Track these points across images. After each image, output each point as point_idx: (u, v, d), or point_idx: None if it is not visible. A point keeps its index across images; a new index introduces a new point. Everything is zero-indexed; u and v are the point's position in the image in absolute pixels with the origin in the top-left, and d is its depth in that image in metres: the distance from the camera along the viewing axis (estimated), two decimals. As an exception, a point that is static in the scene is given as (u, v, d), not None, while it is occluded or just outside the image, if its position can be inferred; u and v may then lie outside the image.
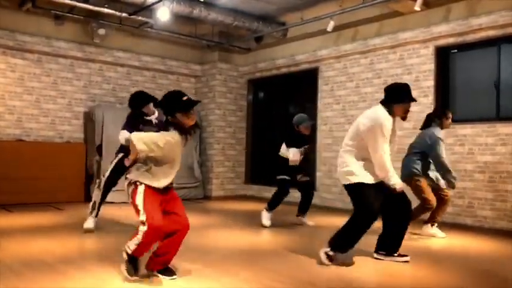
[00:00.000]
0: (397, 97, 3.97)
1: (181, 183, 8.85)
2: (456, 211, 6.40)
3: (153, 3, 7.31)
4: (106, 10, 7.70)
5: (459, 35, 6.60)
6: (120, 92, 9.10)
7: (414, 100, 4.02)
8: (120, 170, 5.22)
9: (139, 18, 8.08)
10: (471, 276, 3.76)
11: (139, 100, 5.28)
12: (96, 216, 5.32)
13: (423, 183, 5.25)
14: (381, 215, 4.10)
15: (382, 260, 4.13)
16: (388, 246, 4.15)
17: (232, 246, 4.73)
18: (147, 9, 7.66)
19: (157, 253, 3.39)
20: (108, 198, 7.86)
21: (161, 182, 3.33)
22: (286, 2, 8.28)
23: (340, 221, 6.56)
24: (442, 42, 6.78)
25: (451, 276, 3.73)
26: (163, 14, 7.53)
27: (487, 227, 6.08)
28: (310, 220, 6.29)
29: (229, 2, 8.11)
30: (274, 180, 6.21)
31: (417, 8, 6.51)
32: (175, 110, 3.34)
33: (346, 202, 7.94)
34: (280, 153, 6.10)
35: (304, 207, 6.27)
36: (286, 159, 5.98)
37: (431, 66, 6.86)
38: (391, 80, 7.36)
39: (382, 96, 7.63)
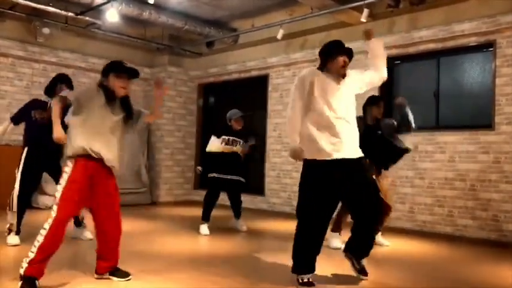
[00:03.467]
0: (326, 55, 3.83)
1: (127, 188, 8.66)
2: (398, 216, 6.65)
3: (101, 4, 7.14)
4: (51, 9, 7.43)
5: (402, 47, 6.90)
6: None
7: (345, 50, 3.80)
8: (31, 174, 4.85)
9: (87, 18, 7.86)
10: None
11: None
12: (18, 233, 4.71)
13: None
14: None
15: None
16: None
17: (177, 253, 4.68)
18: (95, 10, 7.47)
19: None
20: (51, 204, 7.63)
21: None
22: (238, 9, 8.34)
23: (288, 225, 6.68)
24: (387, 53, 7.04)
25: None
26: (111, 16, 7.37)
27: (426, 231, 6.37)
28: (244, 224, 6.24)
29: (180, 5, 8.06)
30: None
31: (363, 19, 6.75)
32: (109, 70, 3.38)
33: (294, 207, 8.07)
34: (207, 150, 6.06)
35: (237, 209, 6.20)
36: (215, 155, 5.95)
37: (376, 76, 7.11)
38: (338, 88, 7.58)
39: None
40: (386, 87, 7.14)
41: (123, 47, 9.49)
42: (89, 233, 5.05)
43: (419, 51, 6.76)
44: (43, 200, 7.65)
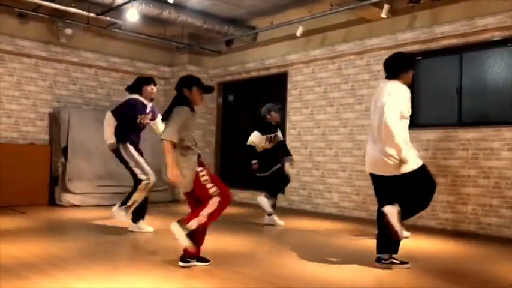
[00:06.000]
0: (403, 66, 4.09)
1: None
2: (419, 214, 6.56)
3: (122, 4, 7.22)
4: (73, 10, 7.55)
5: (423, 43, 6.80)
6: (86, 93, 8.94)
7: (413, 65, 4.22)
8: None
9: (108, 18, 7.97)
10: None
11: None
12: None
13: None
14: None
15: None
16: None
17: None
18: (116, 10, 7.56)
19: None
20: (75, 202, 7.80)
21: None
22: (256, 7, 8.33)
23: (308, 223, 6.68)
24: (408, 49, 6.96)
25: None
26: (132, 15, 7.45)
27: (448, 229, 6.28)
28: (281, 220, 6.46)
29: (199, 4, 8.10)
30: (256, 180, 6.47)
31: (383, 15, 6.68)
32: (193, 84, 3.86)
33: (314, 204, 8.06)
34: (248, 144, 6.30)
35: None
36: (261, 152, 6.26)
37: (396, 72, 7.02)
38: (358, 86, 7.53)
39: (349, 101, 7.80)
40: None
41: (143, 46, 9.59)
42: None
43: (441, 47, 6.65)
44: (66, 197, 7.79)
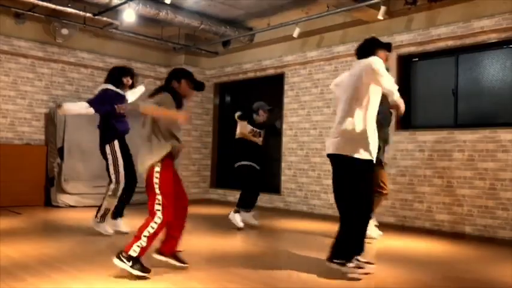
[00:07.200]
0: (378, 45, 4.09)
1: (143, 186, 8.71)
2: (416, 215, 6.59)
3: (119, 5, 7.21)
4: (69, 10, 7.53)
5: (420, 44, 6.82)
6: (83, 94, 8.90)
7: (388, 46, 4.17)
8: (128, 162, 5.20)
9: (104, 19, 7.95)
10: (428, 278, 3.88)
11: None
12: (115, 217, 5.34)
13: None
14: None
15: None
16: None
17: (195, 251, 4.72)
18: (112, 10, 7.54)
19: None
20: (71, 202, 7.79)
21: None
22: (253, 8, 8.34)
23: (304, 224, 6.69)
24: (404, 50, 6.99)
25: (410, 278, 3.84)
26: (128, 16, 7.44)
27: (444, 230, 6.30)
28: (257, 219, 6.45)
29: (196, 5, 8.09)
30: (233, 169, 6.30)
31: (380, 17, 6.70)
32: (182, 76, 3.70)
33: (311, 206, 8.07)
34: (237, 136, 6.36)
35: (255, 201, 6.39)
36: (245, 143, 6.24)
37: (393, 73, 7.04)
38: (354, 87, 7.53)
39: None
40: (404, 86, 7.08)
41: (139, 46, 9.58)
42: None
43: (438, 49, 6.67)
44: (62, 198, 7.77)
